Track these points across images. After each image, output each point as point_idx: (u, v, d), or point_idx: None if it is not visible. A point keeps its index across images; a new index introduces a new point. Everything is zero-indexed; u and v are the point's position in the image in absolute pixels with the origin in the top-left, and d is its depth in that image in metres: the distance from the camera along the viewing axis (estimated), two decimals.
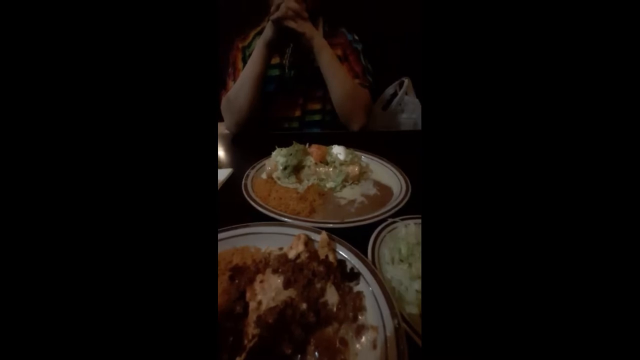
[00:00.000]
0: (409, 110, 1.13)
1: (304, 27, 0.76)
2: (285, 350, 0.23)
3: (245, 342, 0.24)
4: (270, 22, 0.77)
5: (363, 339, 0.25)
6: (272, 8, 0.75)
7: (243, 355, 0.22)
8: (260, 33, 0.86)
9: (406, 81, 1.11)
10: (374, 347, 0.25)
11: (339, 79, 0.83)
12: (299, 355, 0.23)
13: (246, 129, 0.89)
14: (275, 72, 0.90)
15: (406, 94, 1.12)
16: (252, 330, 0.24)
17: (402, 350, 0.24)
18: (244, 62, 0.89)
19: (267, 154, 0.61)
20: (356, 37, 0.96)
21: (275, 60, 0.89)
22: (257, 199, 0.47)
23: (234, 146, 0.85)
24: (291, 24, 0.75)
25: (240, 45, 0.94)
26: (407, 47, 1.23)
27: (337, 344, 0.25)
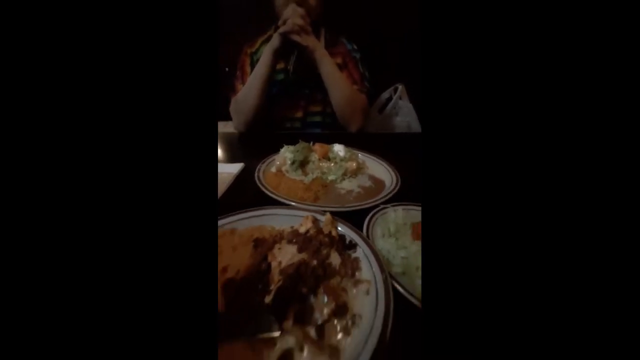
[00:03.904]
0: (403, 114, 1.22)
1: (308, 40, 0.85)
2: (302, 290, 0.31)
3: (272, 286, 0.32)
4: (277, 34, 0.85)
5: (359, 287, 0.34)
6: (280, 22, 0.83)
7: (271, 294, 0.30)
8: (267, 40, 0.95)
9: (400, 87, 1.20)
10: (368, 293, 0.33)
11: (338, 85, 0.92)
12: (312, 296, 0.31)
13: (253, 129, 0.97)
14: (280, 76, 0.98)
15: (400, 98, 1.21)
16: (276, 278, 0.32)
17: (389, 296, 0.32)
18: (252, 66, 0.97)
19: (271, 151, 0.70)
20: (355, 47, 1.04)
21: (280, 66, 0.96)
22: (270, 188, 0.55)
23: (242, 144, 0.92)
24: (296, 38, 0.84)
25: (249, 51, 1.02)
26: (401, 56, 1.33)
27: (340, 291, 0.33)
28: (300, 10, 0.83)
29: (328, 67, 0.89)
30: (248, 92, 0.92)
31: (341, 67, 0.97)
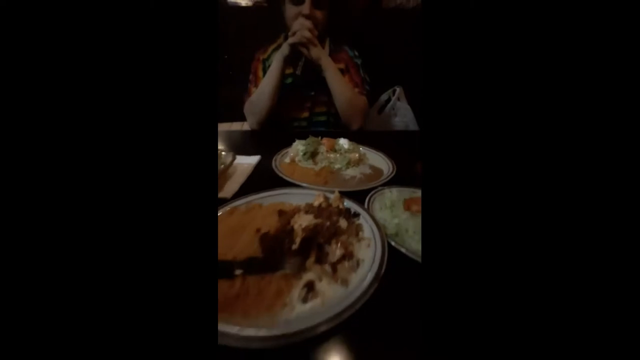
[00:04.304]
0: (400, 114, 1.33)
1: (314, 52, 0.97)
2: (320, 241, 0.41)
3: (297, 239, 0.42)
4: (286, 43, 0.96)
5: (362, 242, 0.44)
6: (290, 32, 0.95)
7: (297, 243, 0.41)
8: (277, 48, 1.06)
9: (398, 89, 1.31)
10: (369, 246, 0.43)
11: (341, 89, 1.03)
12: (327, 245, 0.42)
13: (265, 127, 1.08)
14: (289, 80, 1.09)
15: (398, 100, 1.32)
16: (300, 233, 0.43)
17: (384, 247, 0.42)
18: (264, 72, 1.08)
19: (282, 146, 0.80)
20: (356, 53, 1.16)
21: (289, 71, 1.07)
22: (286, 174, 0.66)
23: (257, 140, 1.04)
24: (303, 50, 0.96)
25: (261, 58, 1.13)
26: (399, 61, 1.44)
27: (348, 244, 0.43)
28: (308, 24, 0.94)
29: (332, 73, 1.00)
30: (261, 95, 1.03)
31: (344, 71, 1.08)
